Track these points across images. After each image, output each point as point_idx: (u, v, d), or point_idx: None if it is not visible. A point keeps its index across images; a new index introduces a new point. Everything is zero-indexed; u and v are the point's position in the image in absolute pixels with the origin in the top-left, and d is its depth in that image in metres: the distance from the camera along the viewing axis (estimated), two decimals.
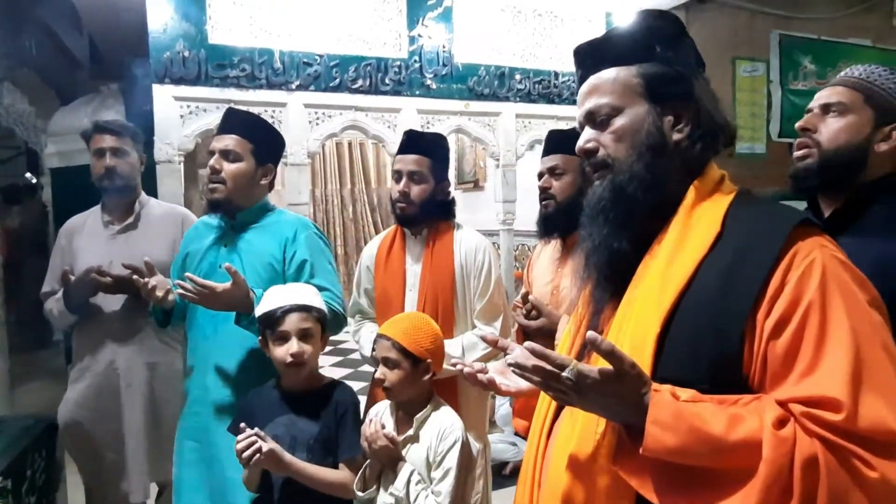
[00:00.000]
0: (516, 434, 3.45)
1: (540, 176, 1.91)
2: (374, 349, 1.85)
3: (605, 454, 0.82)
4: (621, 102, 0.93)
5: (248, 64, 3.07)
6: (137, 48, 3.16)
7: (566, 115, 3.79)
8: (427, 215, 1.97)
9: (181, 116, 2.99)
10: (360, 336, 2.07)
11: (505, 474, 3.34)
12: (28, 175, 6.30)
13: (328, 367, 5.47)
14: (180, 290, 1.65)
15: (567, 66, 3.79)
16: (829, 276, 0.77)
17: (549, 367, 0.76)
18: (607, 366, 0.75)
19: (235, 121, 1.87)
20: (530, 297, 1.84)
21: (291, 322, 1.53)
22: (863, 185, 1.37)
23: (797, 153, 1.44)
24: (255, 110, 3.11)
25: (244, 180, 1.81)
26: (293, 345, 1.51)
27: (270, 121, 3.16)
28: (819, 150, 1.39)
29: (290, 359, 1.51)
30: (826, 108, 1.41)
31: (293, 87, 3.16)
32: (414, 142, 2.02)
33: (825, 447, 0.70)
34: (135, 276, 1.78)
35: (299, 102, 3.20)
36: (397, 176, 1.98)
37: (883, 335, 0.76)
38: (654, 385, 0.77)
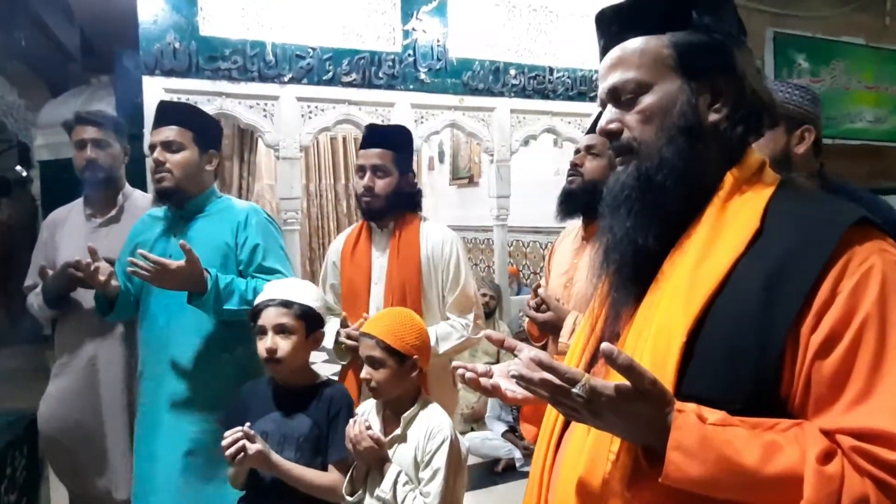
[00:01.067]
0: (504, 434, 3.45)
1: (576, 152, 1.82)
2: (337, 342, 1.88)
3: (618, 478, 0.71)
4: (650, 77, 0.80)
5: (239, 56, 3.03)
6: (128, 40, 3.12)
7: (561, 111, 3.78)
8: (393, 208, 1.96)
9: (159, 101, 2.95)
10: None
11: (497, 471, 3.33)
12: (18, 168, 6.23)
13: (320, 363, 5.44)
14: (132, 269, 1.62)
15: (563, 61, 3.77)
16: (890, 286, 0.66)
17: (557, 381, 0.66)
18: (624, 380, 0.65)
19: (170, 111, 1.86)
20: (540, 290, 1.80)
21: (268, 316, 1.51)
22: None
23: None
24: (247, 103, 3.10)
25: (191, 168, 1.80)
26: (268, 340, 1.49)
27: (262, 114, 3.14)
28: None
29: (265, 354, 1.49)
30: None
31: (286, 80, 3.13)
32: (376, 135, 2.02)
33: (878, 489, 0.61)
34: (75, 258, 1.76)
35: (292, 96, 3.17)
36: (361, 171, 1.97)
37: None
38: (678, 404, 0.67)
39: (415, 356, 1.47)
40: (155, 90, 2.92)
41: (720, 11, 0.81)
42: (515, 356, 0.95)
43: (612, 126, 0.84)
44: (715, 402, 0.68)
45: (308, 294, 1.58)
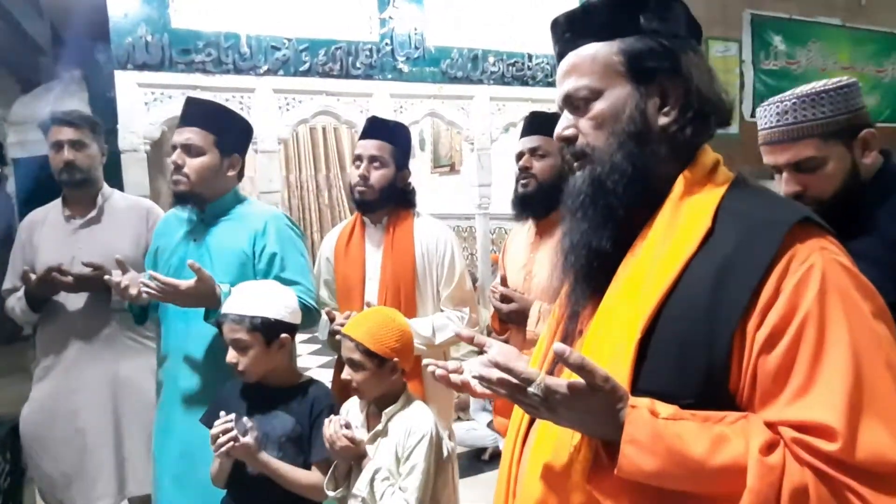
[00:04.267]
0: (489, 424, 3.47)
1: (519, 156, 1.87)
2: (332, 335, 1.86)
3: (580, 470, 0.75)
4: (601, 84, 0.83)
5: (213, 48, 2.98)
6: (99, 33, 3.05)
7: (541, 98, 3.76)
8: (386, 202, 1.95)
9: (146, 104, 2.90)
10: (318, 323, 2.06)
11: (485, 459, 3.36)
12: None
13: (306, 356, 5.44)
14: (145, 289, 1.63)
15: (541, 48, 3.76)
16: (828, 283, 0.69)
17: (514, 380, 0.69)
18: (578, 378, 0.68)
19: (196, 111, 1.81)
20: (501, 288, 1.84)
21: (225, 331, 1.52)
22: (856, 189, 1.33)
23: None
24: (222, 96, 3.04)
25: (209, 174, 1.77)
26: (229, 353, 1.49)
27: (239, 107, 3.09)
28: (823, 199, 1.33)
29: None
30: (799, 166, 1.34)
31: (261, 71, 3.09)
32: (377, 127, 2.01)
33: (817, 478, 0.64)
34: (106, 277, 1.73)
35: (268, 88, 3.12)
36: (358, 160, 1.96)
37: (888, 352, 0.68)
38: (632, 400, 0.70)
39: (394, 359, 1.47)
40: (128, 84, 2.87)
41: (667, 15, 0.84)
42: (484, 352, 0.99)
43: (568, 132, 0.87)
44: (669, 397, 0.71)
45: (266, 303, 1.54)
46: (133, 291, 1.71)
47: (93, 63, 3.66)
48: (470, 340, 1.02)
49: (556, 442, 0.78)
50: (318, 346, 5.67)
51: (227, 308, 1.53)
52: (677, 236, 0.77)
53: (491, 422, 3.48)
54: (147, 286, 1.61)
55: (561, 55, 0.88)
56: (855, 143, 1.32)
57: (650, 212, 0.81)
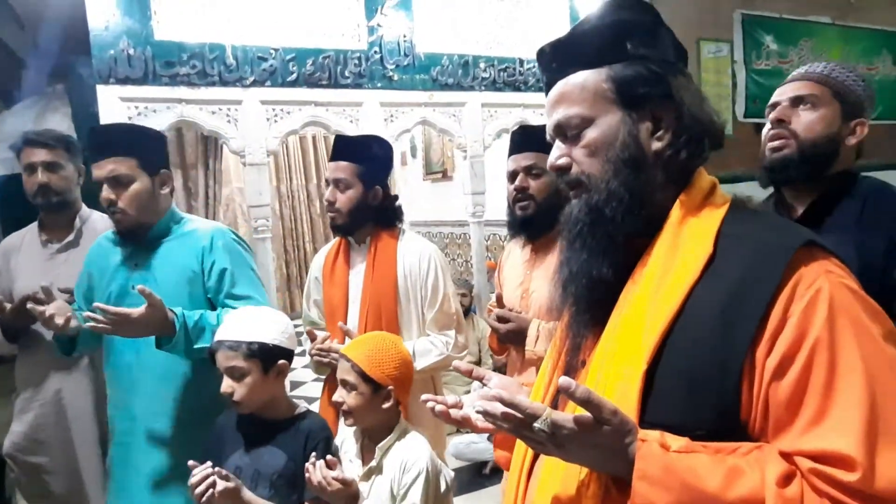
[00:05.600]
0: (489, 437, 3.41)
1: (513, 175, 1.79)
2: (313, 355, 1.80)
3: None
4: (592, 112, 0.82)
5: (198, 60, 2.91)
6: (80, 47, 2.97)
7: (533, 103, 3.72)
8: (360, 222, 1.90)
9: (129, 118, 2.81)
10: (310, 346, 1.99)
11: (485, 473, 3.29)
12: None
13: (300, 369, 5.35)
14: (90, 323, 1.49)
15: (532, 52, 3.69)
16: (837, 308, 0.68)
17: (519, 415, 0.68)
18: (585, 412, 0.66)
19: (107, 140, 1.68)
20: (496, 310, 1.78)
21: (219, 360, 1.44)
22: (834, 177, 1.39)
23: (772, 144, 1.43)
24: (208, 109, 2.98)
25: (145, 200, 1.67)
26: (223, 382, 1.42)
27: (226, 119, 3.02)
28: (797, 141, 1.39)
29: (224, 394, 1.42)
30: (797, 101, 1.42)
31: (248, 83, 3.02)
32: (341, 148, 1.94)
33: None
34: (29, 305, 1.62)
35: (255, 99, 3.05)
36: (327, 184, 1.91)
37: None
38: (641, 433, 0.69)
39: (390, 386, 1.40)
40: (110, 99, 2.79)
41: (654, 41, 0.84)
42: (484, 385, 0.98)
43: (561, 161, 0.86)
44: (678, 429, 0.70)
45: (261, 328, 1.47)
46: (59, 321, 1.59)
47: (75, 77, 3.57)
48: (469, 374, 1.00)
49: (564, 477, 0.76)
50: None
51: (220, 335, 1.46)
52: (679, 263, 0.76)
53: (491, 435, 3.42)
54: (93, 318, 1.48)
55: (549, 84, 0.88)
56: (851, 122, 1.41)
57: (649, 238, 0.81)
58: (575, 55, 0.84)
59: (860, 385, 0.65)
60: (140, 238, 1.72)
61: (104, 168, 1.64)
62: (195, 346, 1.58)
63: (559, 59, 0.86)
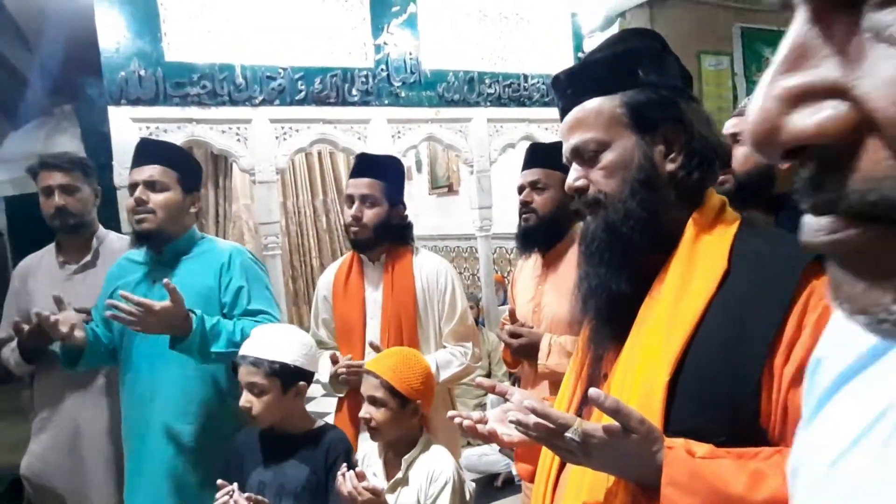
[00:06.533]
0: (501, 449, 3.41)
1: (520, 189, 1.87)
2: (335, 376, 1.82)
3: None
4: (608, 136, 0.87)
5: (208, 80, 2.94)
6: (90, 68, 3.01)
7: (538, 118, 3.76)
8: (382, 240, 1.93)
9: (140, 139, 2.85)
10: (318, 364, 2.01)
11: (497, 486, 3.29)
12: None
13: (319, 398, 5.30)
14: (112, 312, 1.52)
15: (536, 67, 3.75)
16: None
17: (551, 426, 0.71)
18: (612, 422, 0.70)
19: (155, 150, 1.79)
20: (508, 326, 1.82)
21: (241, 374, 1.47)
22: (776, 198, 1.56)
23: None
24: (218, 128, 3.01)
25: (175, 210, 1.73)
26: (242, 397, 1.45)
27: (235, 139, 3.05)
28: (734, 176, 1.60)
29: (243, 408, 1.45)
30: (735, 137, 1.63)
31: (257, 102, 3.05)
32: (366, 165, 1.98)
33: None
34: (35, 309, 1.64)
35: (265, 118, 3.09)
36: (350, 200, 1.94)
37: None
38: (668, 441, 0.72)
39: (417, 400, 1.42)
40: (122, 120, 2.82)
41: (662, 67, 0.89)
42: (507, 400, 1.02)
43: (579, 183, 0.90)
44: (701, 436, 0.73)
45: (285, 348, 1.50)
46: (63, 329, 1.61)
47: (84, 98, 3.61)
48: (492, 389, 1.04)
49: (591, 486, 0.78)
50: None
51: (245, 350, 1.49)
52: (696, 278, 0.80)
53: (502, 448, 3.41)
54: (116, 308, 1.52)
55: (565, 110, 0.92)
56: None
57: (665, 254, 0.84)
58: (590, 83, 0.89)
59: None
60: (158, 248, 1.76)
61: (144, 172, 1.71)
62: (211, 350, 1.62)
63: (574, 86, 0.91)
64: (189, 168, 1.82)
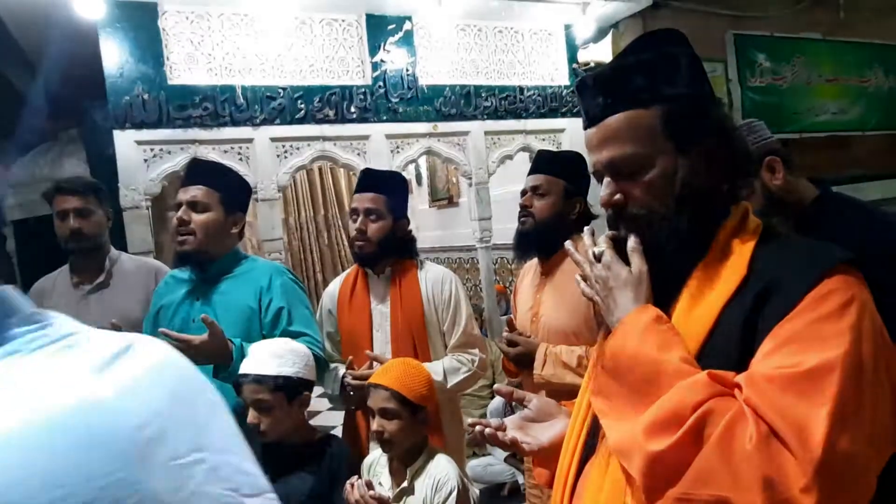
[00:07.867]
0: (506, 459, 3.42)
1: (523, 193, 1.91)
2: (344, 387, 1.85)
3: None
4: (647, 150, 0.83)
5: (210, 102, 3.01)
6: (95, 92, 3.08)
7: (535, 129, 3.81)
8: (386, 253, 1.96)
9: (145, 160, 2.92)
10: (325, 377, 2.03)
11: (503, 495, 3.30)
12: None
13: (314, 398, 5.35)
14: None
15: (531, 80, 3.82)
16: (868, 315, 0.71)
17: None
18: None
19: (200, 170, 1.83)
20: (505, 334, 1.86)
21: (245, 393, 1.50)
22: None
23: None
24: (221, 148, 3.07)
25: (215, 230, 1.77)
26: (250, 414, 1.48)
27: (237, 158, 3.11)
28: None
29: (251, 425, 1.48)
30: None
31: (258, 121, 3.12)
32: (370, 180, 2.02)
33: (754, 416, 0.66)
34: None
35: (266, 137, 3.15)
36: (354, 214, 1.97)
37: (876, 381, 0.68)
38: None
39: (427, 407, 1.46)
40: (126, 143, 2.89)
41: (695, 73, 0.86)
42: (525, 406, 1.03)
43: (617, 198, 0.87)
44: None
45: (285, 361, 1.53)
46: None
47: (89, 122, 3.67)
48: (510, 396, 1.04)
49: (609, 493, 0.79)
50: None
51: (245, 368, 1.51)
52: (715, 285, 0.80)
53: (509, 456, 3.43)
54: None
55: (593, 118, 0.88)
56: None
57: (693, 264, 0.83)
58: (624, 92, 0.85)
59: (839, 376, 0.65)
60: (202, 267, 1.79)
61: (188, 192, 1.77)
62: None
63: (606, 95, 0.86)
64: (233, 189, 1.85)
